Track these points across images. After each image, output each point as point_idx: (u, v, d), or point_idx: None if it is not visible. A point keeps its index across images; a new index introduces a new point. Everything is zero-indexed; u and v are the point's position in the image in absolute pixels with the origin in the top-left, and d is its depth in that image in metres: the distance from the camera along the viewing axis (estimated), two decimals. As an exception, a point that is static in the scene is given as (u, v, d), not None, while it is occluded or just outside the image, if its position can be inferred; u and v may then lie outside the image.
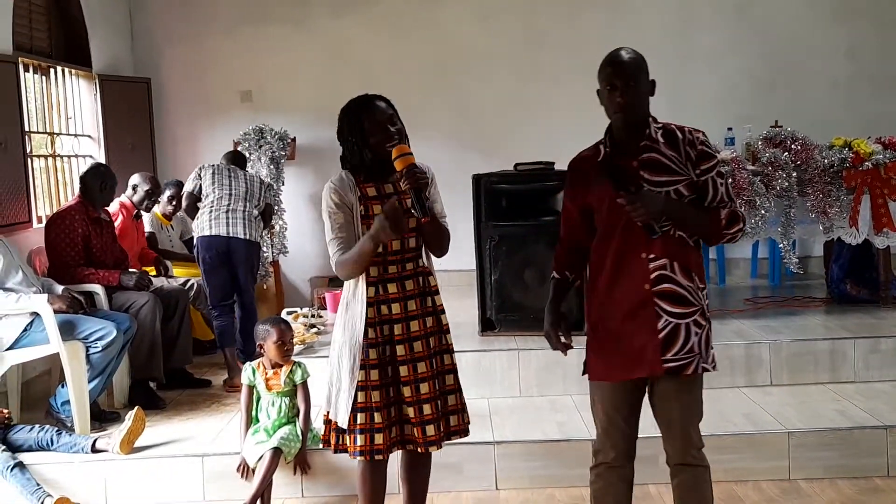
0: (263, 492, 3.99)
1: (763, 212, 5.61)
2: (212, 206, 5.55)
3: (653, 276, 2.83)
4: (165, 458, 4.32)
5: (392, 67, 7.83)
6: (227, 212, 5.55)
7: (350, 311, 3.20)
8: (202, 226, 5.55)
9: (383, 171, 3.17)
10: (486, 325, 5.44)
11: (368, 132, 3.13)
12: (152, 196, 6.02)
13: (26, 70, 6.16)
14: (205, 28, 7.87)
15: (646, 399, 3.04)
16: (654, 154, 2.86)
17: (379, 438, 3.14)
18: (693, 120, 7.14)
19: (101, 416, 4.82)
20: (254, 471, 4.06)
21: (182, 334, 5.45)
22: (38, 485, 4.08)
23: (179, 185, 6.49)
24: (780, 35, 7.73)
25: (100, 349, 4.63)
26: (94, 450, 4.31)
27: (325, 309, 6.73)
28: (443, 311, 3.30)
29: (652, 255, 2.83)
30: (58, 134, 6.75)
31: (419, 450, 3.22)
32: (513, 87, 7.84)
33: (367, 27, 7.88)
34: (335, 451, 3.27)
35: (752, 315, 5.83)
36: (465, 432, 3.34)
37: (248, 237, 5.57)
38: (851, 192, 5.71)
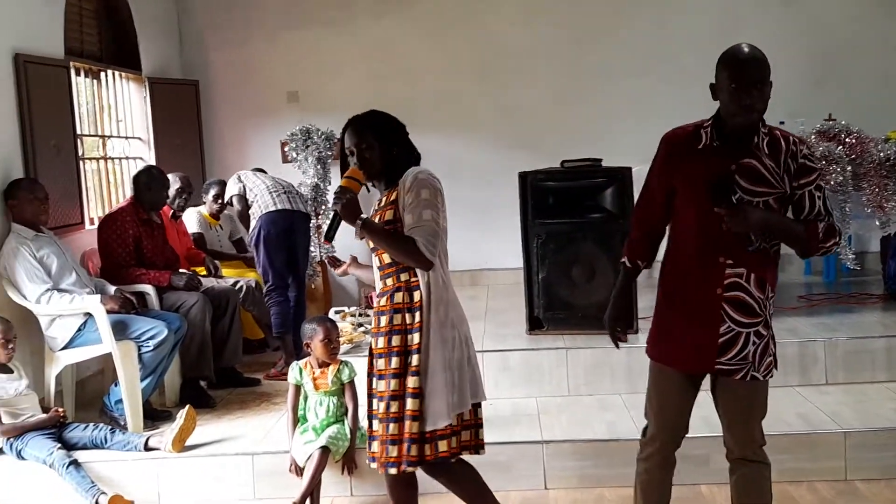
0: (313, 490, 4.00)
1: (817, 207, 5.51)
2: (269, 189, 5.82)
3: (727, 281, 2.82)
4: (216, 457, 4.36)
5: (436, 66, 7.83)
6: (285, 192, 5.90)
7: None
8: (265, 204, 5.80)
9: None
10: (534, 324, 5.41)
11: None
12: (183, 194, 6.10)
13: (77, 74, 6.26)
14: (251, 30, 7.94)
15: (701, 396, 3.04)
16: (754, 161, 2.79)
17: (393, 451, 3.14)
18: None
19: (154, 415, 4.89)
20: (303, 470, 4.07)
21: (232, 333, 5.51)
22: (92, 482, 4.14)
23: (222, 183, 6.57)
24: (828, 29, 7.56)
25: (151, 348, 4.70)
26: (146, 448, 4.37)
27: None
28: (418, 330, 3.11)
29: (730, 262, 2.82)
30: (109, 136, 6.85)
31: (381, 471, 3.21)
32: (558, 84, 7.78)
33: (410, 27, 7.88)
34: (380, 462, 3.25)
35: (807, 312, 5.72)
36: (386, 466, 3.15)
37: (307, 212, 6.10)
38: (908, 186, 5.58)
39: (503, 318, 5.97)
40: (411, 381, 3.10)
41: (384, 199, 3.23)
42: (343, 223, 3.16)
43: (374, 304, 3.29)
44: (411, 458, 3.11)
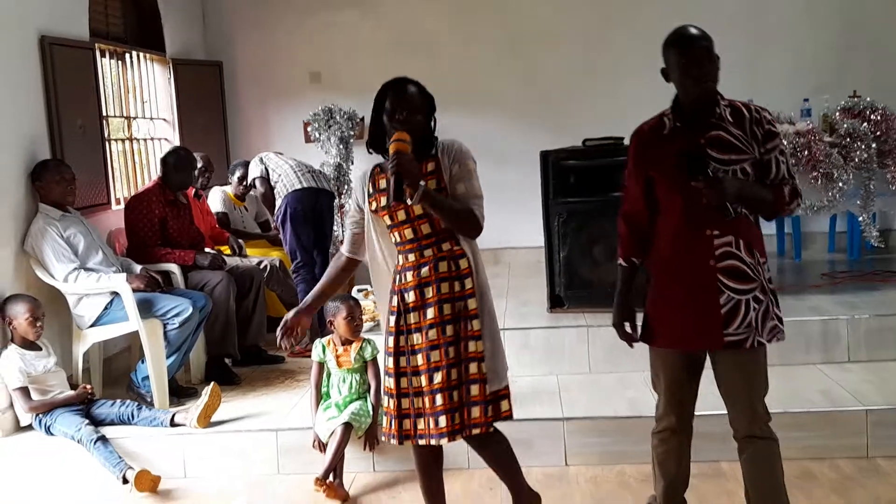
0: (336, 466, 4.05)
1: (841, 184, 5.47)
2: (293, 168, 5.89)
3: (718, 252, 2.88)
4: (241, 433, 4.42)
5: (458, 46, 7.82)
6: (310, 171, 6.01)
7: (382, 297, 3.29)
8: (291, 182, 5.92)
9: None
10: (555, 302, 5.42)
11: (385, 112, 3.09)
12: (206, 173, 6.17)
13: (103, 55, 6.30)
14: (274, 11, 7.96)
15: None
16: (721, 132, 2.87)
17: (407, 424, 3.13)
18: (768, 92, 7.06)
19: (179, 392, 4.96)
20: (326, 446, 4.12)
21: (257, 312, 5.57)
22: (119, 457, 4.22)
23: (247, 164, 6.62)
24: (855, 5, 7.46)
25: (177, 326, 4.76)
26: (172, 424, 4.44)
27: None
28: (472, 296, 3.11)
29: (717, 233, 2.88)
30: (134, 118, 6.91)
31: (431, 441, 3.11)
32: (581, 64, 7.75)
33: (434, 5, 7.87)
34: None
35: (830, 290, 5.69)
36: (487, 426, 3.10)
37: (332, 190, 6.17)
38: (934, 163, 5.52)
39: (524, 297, 5.99)
40: (473, 346, 3.08)
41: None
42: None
43: (405, 279, 3.13)
44: (476, 421, 3.07)
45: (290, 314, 3.29)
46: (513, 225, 7.70)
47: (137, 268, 5.06)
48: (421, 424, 3.13)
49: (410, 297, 3.12)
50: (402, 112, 3.06)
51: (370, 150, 3.21)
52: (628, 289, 3.17)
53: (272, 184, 6.04)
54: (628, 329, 3.18)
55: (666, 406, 3.14)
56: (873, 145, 5.49)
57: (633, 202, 3.08)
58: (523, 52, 7.79)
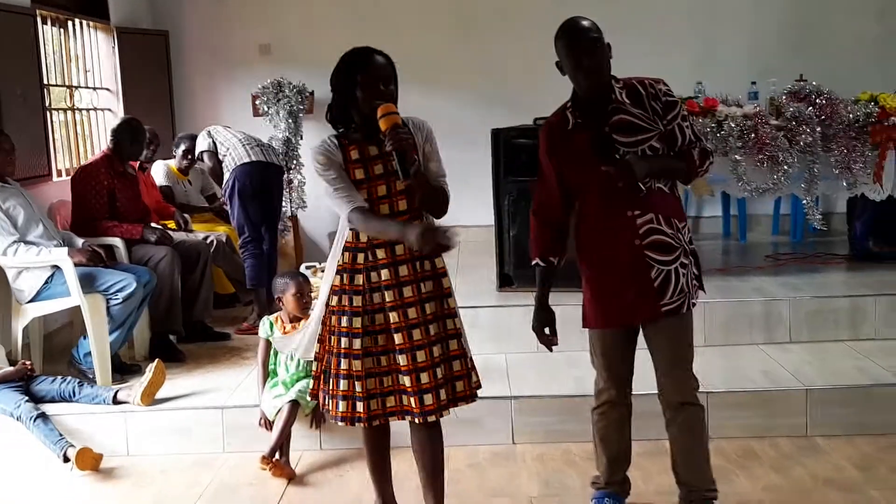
0: (282, 444, 4.03)
1: (786, 167, 5.53)
2: (242, 142, 5.83)
3: (641, 230, 3.00)
4: (186, 410, 4.37)
5: (414, 21, 7.75)
6: (258, 145, 5.92)
7: (327, 274, 3.13)
8: (239, 156, 5.82)
9: (368, 131, 2.98)
10: (504, 281, 5.43)
11: (360, 86, 2.93)
12: (150, 145, 6.05)
13: (44, 23, 6.13)
14: (224, -20, 7.80)
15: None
16: (623, 116, 2.96)
17: (360, 406, 3.05)
18: (716, 74, 7.11)
19: (123, 369, 4.88)
20: (272, 424, 4.10)
21: (203, 287, 5.50)
22: (60, 435, 4.14)
23: (193, 138, 6.51)
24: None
25: (120, 301, 4.68)
26: (115, 401, 4.37)
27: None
28: (444, 274, 3.12)
29: (638, 212, 2.99)
30: (76, 87, 6.74)
31: (417, 420, 3.08)
32: (537, 41, 7.60)
33: (389, -21, 7.78)
34: (322, 409, 3.30)
35: (773, 272, 5.79)
36: (472, 398, 3.20)
37: (280, 165, 6.13)
38: (876, 148, 5.61)
39: (474, 276, 5.98)
40: (451, 323, 3.12)
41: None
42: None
43: (373, 257, 3.01)
44: (473, 392, 3.19)
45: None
46: (463, 203, 7.64)
47: (80, 241, 4.95)
48: (391, 402, 3.08)
49: (384, 275, 3.01)
50: (385, 83, 2.95)
51: (337, 127, 3.07)
52: (546, 291, 3.25)
53: (220, 157, 5.93)
54: (547, 332, 3.28)
55: (606, 380, 3.27)
56: (818, 129, 5.56)
57: (549, 194, 3.15)
58: (479, 29, 7.76)
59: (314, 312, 3.24)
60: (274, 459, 3.97)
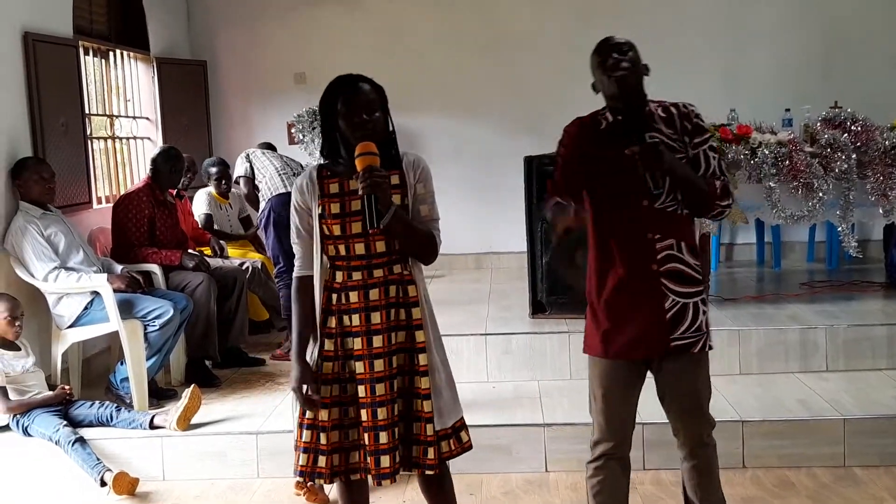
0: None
1: (821, 194, 5.50)
2: (279, 171, 5.85)
3: (660, 256, 2.80)
4: (220, 435, 4.40)
5: (445, 48, 7.83)
6: (294, 174, 5.91)
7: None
8: (275, 186, 5.86)
9: (350, 162, 2.74)
10: (537, 308, 5.44)
11: (341, 116, 2.72)
12: (188, 173, 6.17)
13: (86, 53, 6.27)
14: (260, 10, 7.95)
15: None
16: (653, 132, 2.80)
17: (322, 461, 2.80)
18: (750, 101, 7.11)
19: (159, 394, 4.93)
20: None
21: (238, 313, 5.55)
22: (98, 459, 4.19)
23: (222, 163, 6.61)
24: (838, 12, 7.55)
25: (157, 327, 4.74)
26: (151, 426, 4.41)
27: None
28: (419, 327, 2.83)
29: (658, 236, 2.79)
30: (117, 116, 6.87)
31: (373, 483, 2.85)
32: (566, 67, 7.72)
33: (420, 8, 7.89)
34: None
35: (809, 299, 5.74)
36: (440, 467, 2.85)
37: None
38: (913, 175, 5.57)
39: (506, 302, 6.01)
40: (419, 382, 2.82)
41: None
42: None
43: (346, 300, 2.80)
44: (429, 462, 2.81)
45: (297, 380, 2.80)
46: (496, 229, 7.75)
47: (118, 268, 5.03)
48: (354, 458, 2.84)
49: (355, 320, 2.78)
50: (361, 114, 2.71)
51: (327, 160, 2.84)
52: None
53: (256, 183, 6.01)
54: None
55: (604, 428, 2.93)
56: (853, 156, 5.53)
57: (569, 169, 2.89)
58: (508, 54, 7.81)
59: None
60: (309, 484, 3.99)
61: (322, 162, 2.89)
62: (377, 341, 2.78)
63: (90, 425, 4.44)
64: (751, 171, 5.53)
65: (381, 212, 2.65)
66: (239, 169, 6.13)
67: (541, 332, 5.12)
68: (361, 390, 2.77)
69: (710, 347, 2.88)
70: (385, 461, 2.76)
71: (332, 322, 2.82)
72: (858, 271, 6.64)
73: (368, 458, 2.78)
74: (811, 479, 4.02)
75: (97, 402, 4.55)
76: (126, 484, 4.13)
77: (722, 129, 5.68)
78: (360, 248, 2.78)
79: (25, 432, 4.35)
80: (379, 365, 2.77)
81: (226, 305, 5.47)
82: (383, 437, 2.76)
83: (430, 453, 2.81)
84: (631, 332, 2.83)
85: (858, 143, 5.60)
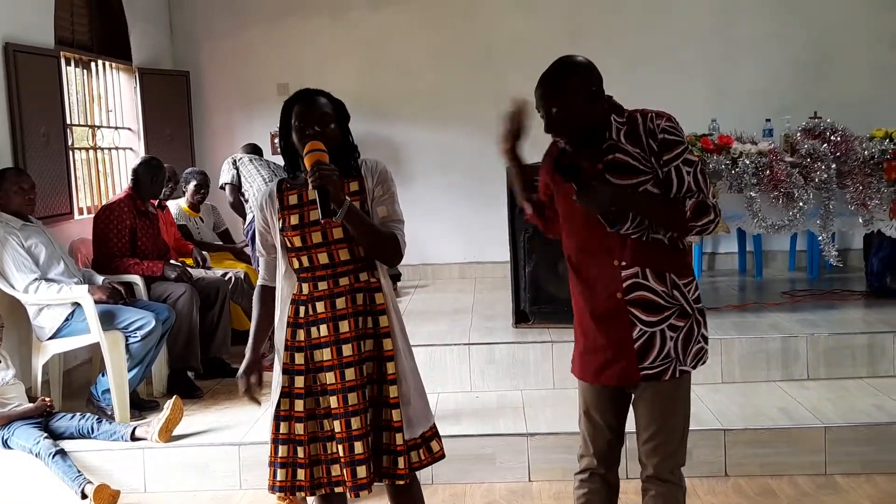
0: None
1: (801, 204, 5.55)
2: (266, 180, 5.91)
3: (625, 284, 2.65)
4: (203, 447, 4.38)
5: (431, 59, 7.85)
6: None
7: (277, 331, 2.90)
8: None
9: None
10: (520, 318, 5.44)
11: (294, 129, 2.79)
12: (169, 183, 6.15)
13: (68, 64, 6.25)
14: (243, 21, 7.95)
15: None
16: (618, 155, 2.63)
17: (301, 474, 2.80)
18: (732, 111, 7.16)
19: (141, 405, 4.91)
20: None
21: (221, 324, 5.54)
22: (79, 471, 4.16)
23: (202, 174, 6.59)
24: (823, 23, 7.61)
25: (139, 339, 4.71)
26: (133, 438, 4.39)
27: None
28: (387, 335, 2.83)
29: (624, 263, 2.65)
30: (98, 127, 6.85)
31: (349, 495, 2.82)
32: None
33: (406, 18, 7.90)
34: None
35: (790, 308, 5.77)
36: (410, 477, 2.85)
37: None
38: (892, 185, 5.61)
39: (490, 312, 6.01)
40: (388, 391, 2.81)
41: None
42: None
43: (312, 311, 2.80)
44: (399, 472, 2.81)
45: (245, 367, 2.91)
46: (480, 239, 7.76)
47: (99, 279, 5.01)
48: (336, 471, 2.81)
49: (323, 331, 2.78)
50: (312, 126, 2.75)
51: (287, 183, 2.86)
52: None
53: (242, 192, 5.98)
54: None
55: (587, 443, 2.87)
56: (833, 166, 5.58)
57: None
58: (494, 65, 7.83)
59: (273, 377, 2.89)
60: (293, 496, 3.96)
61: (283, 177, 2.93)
62: (346, 350, 2.78)
63: (71, 437, 4.41)
64: (732, 180, 5.58)
65: (333, 205, 2.65)
66: (225, 175, 6.09)
67: (524, 342, 5.13)
68: (334, 401, 2.77)
69: (685, 372, 2.69)
70: (361, 472, 2.76)
71: (301, 335, 2.82)
72: (839, 280, 6.69)
73: (344, 470, 2.77)
74: (793, 488, 4.04)
75: (78, 413, 4.52)
76: (107, 496, 4.10)
77: (703, 140, 5.72)
78: (323, 258, 2.79)
79: (5, 445, 4.32)
80: (350, 374, 2.77)
81: (208, 316, 5.46)
82: (358, 448, 2.75)
83: (401, 463, 2.81)
84: (601, 359, 2.73)
85: (838, 153, 5.65)
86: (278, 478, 2.83)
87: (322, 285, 2.80)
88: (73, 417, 4.48)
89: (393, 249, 2.82)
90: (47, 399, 4.53)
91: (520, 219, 5.39)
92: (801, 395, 4.70)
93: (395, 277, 7.14)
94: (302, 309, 2.82)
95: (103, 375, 4.77)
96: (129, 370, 4.75)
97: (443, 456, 2.97)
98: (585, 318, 2.76)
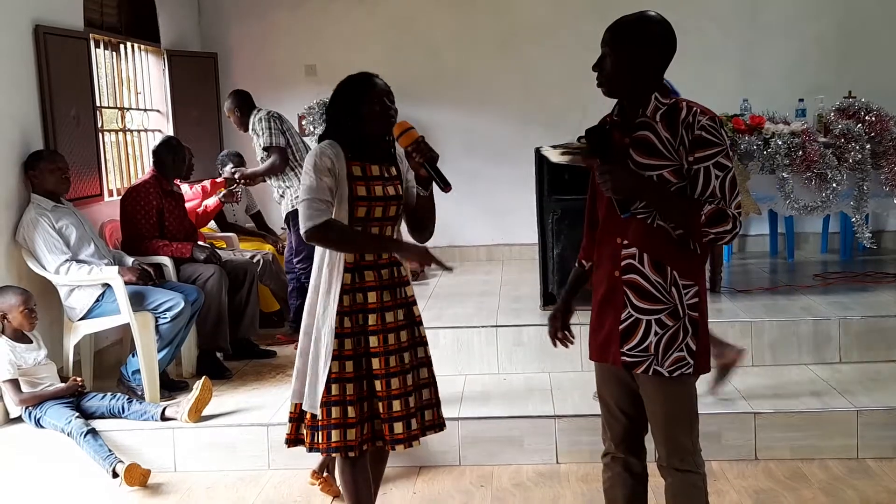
0: (329, 462, 4.04)
1: (835, 185, 5.48)
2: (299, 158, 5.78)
3: (623, 263, 2.60)
4: (232, 427, 4.41)
5: (456, 40, 7.80)
6: None
7: (323, 298, 3.04)
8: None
9: (374, 151, 3.07)
10: (548, 300, 5.42)
11: (367, 107, 3.01)
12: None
13: (97, 46, 6.28)
14: (270, 2, 7.93)
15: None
16: (648, 133, 2.56)
17: (351, 434, 3.01)
18: (763, 91, 7.06)
19: (171, 386, 4.95)
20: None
21: (249, 306, 5.56)
22: (109, 451, 4.21)
23: (239, 156, 6.59)
24: (851, 4, 7.47)
25: (168, 320, 4.75)
26: (163, 418, 4.42)
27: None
28: (414, 303, 3.18)
29: (625, 242, 2.60)
30: (127, 109, 6.88)
31: (387, 448, 3.13)
32: (579, 59, 7.66)
33: (433, 0, 7.84)
34: (309, 450, 3.12)
35: (822, 291, 5.70)
36: (441, 427, 3.23)
37: None
38: (928, 165, 5.53)
39: (518, 294, 5.99)
40: (422, 351, 3.20)
41: (387, 171, 3.10)
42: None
43: (359, 279, 3.05)
44: (442, 421, 3.23)
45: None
46: (507, 221, 7.73)
47: (129, 260, 5.04)
48: (378, 426, 3.08)
49: (371, 297, 3.04)
50: (384, 99, 3.04)
51: (344, 147, 3.02)
52: (573, 289, 2.94)
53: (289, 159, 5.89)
54: (558, 331, 2.94)
55: (604, 427, 2.85)
56: (867, 146, 5.50)
57: (589, 203, 2.86)
58: (521, 47, 7.77)
59: (317, 348, 3.07)
60: (325, 475, 3.99)
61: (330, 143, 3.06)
62: (389, 316, 3.06)
63: (102, 417, 4.46)
64: (763, 161, 5.51)
65: (442, 174, 2.95)
66: (276, 139, 5.92)
67: (552, 324, 5.10)
68: (376, 363, 3.02)
69: (659, 373, 2.59)
70: (398, 427, 3.02)
71: (347, 301, 3.02)
72: (872, 262, 6.59)
73: (384, 426, 3.03)
74: (824, 471, 4.00)
75: (109, 393, 4.57)
76: (138, 475, 4.15)
77: (735, 120, 5.65)
78: (375, 230, 3.07)
79: (38, 424, 4.37)
80: (391, 339, 3.05)
81: (237, 297, 5.48)
82: (396, 405, 3.02)
83: (428, 415, 3.18)
84: (600, 337, 2.70)
85: (872, 134, 5.57)
86: (333, 439, 3.01)
87: (368, 256, 3.05)
88: (104, 397, 4.52)
89: (434, 223, 3.19)
90: (79, 379, 4.57)
91: (548, 201, 5.36)
92: (833, 378, 4.65)
93: (423, 259, 7.12)
94: (348, 276, 3.03)
95: (133, 356, 4.81)
96: (159, 351, 4.79)
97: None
98: (595, 296, 2.74)
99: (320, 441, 3.04)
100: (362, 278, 3.03)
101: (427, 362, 3.20)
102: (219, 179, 6.40)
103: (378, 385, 3.02)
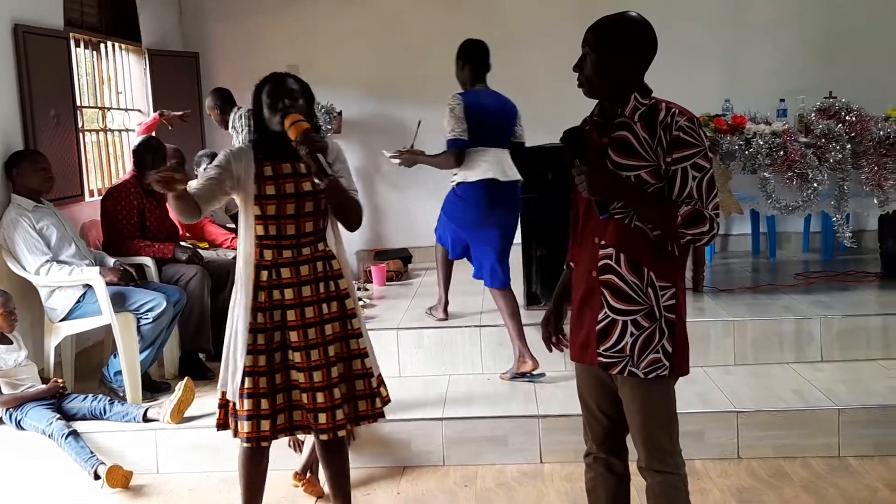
0: (312, 463, 4.03)
1: (816, 185, 5.50)
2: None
3: (600, 263, 2.60)
4: (214, 429, 4.36)
5: (442, 40, 7.72)
6: None
7: (238, 293, 3.17)
8: None
9: (281, 149, 3.12)
10: (531, 299, 5.43)
11: (264, 105, 3.14)
12: (173, 162, 6.10)
13: (77, 45, 6.23)
14: (253, 2, 7.89)
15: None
16: (626, 133, 2.55)
17: (265, 425, 3.13)
18: (745, 91, 7.08)
19: (153, 387, 4.92)
20: (303, 443, 4.10)
21: (231, 306, 5.52)
22: (91, 452, 4.18)
23: (213, 155, 6.55)
24: (833, 6, 7.52)
25: (150, 320, 4.72)
26: (145, 419, 4.40)
27: (371, 282, 6.75)
28: (347, 296, 3.23)
29: (603, 242, 2.59)
30: (108, 108, 6.84)
31: (319, 437, 3.21)
32: (564, 60, 7.69)
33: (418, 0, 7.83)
34: (234, 436, 3.22)
35: (804, 290, 5.73)
36: (375, 417, 3.30)
37: None
38: (908, 165, 5.56)
39: (501, 294, 5.98)
40: (354, 343, 3.24)
41: (301, 168, 3.13)
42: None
43: (275, 276, 3.14)
44: (377, 412, 3.29)
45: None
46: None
47: (111, 261, 5.01)
48: (297, 416, 3.18)
49: (287, 294, 3.13)
50: (283, 100, 3.10)
51: (260, 154, 3.15)
52: (564, 291, 2.87)
53: None
54: (552, 335, 2.89)
55: (585, 427, 2.84)
56: (848, 146, 5.53)
57: (572, 205, 2.84)
58: (506, 48, 7.71)
59: (235, 342, 3.17)
60: (308, 476, 3.98)
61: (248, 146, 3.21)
62: (308, 312, 3.14)
63: (83, 418, 4.43)
64: (745, 161, 5.53)
65: (327, 166, 2.96)
66: (246, 133, 5.96)
67: (536, 324, 5.06)
68: (297, 356, 3.12)
69: (634, 374, 2.58)
70: (322, 418, 3.12)
71: (263, 297, 3.13)
72: (853, 262, 6.64)
73: (309, 416, 3.14)
74: (806, 469, 4.03)
75: (90, 395, 4.54)
76: (120, 477, 4.12)
77: (717, 120, 5.67)
78: (291, 229, 3.13)
79: (18, 426, 4.34)
80: (312, 333, 3.13)
81: (219, 298, 5.44)
82: (320, 397, 3.12)
83: (377, 403, 3.28)
84: (580, 337, 2.69)
85: (853, 134, 5.60)
86: (245, 429, 3.14)
87: (286, 253, 3.14)
88: (85, 399, 4.49)
89: (359, 214, 3.20)
90: (60, 380, 4.54)
91: (530, 201, 5.36)
92: (815, 376, 4.67)
93: (406, 259, 7.11)
94: (265, 273, 3.13)
95: (115, 357, 4.79)
96: (141, 352, 4.76)
97: (389, 400, 3.37)
98: (574, 296, 2.74)
99: (240, 430, 3.16)
100: (279, 275, 3.13)
101: (361, 353, 3.25)
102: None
103: (301, 377, 3.12)
